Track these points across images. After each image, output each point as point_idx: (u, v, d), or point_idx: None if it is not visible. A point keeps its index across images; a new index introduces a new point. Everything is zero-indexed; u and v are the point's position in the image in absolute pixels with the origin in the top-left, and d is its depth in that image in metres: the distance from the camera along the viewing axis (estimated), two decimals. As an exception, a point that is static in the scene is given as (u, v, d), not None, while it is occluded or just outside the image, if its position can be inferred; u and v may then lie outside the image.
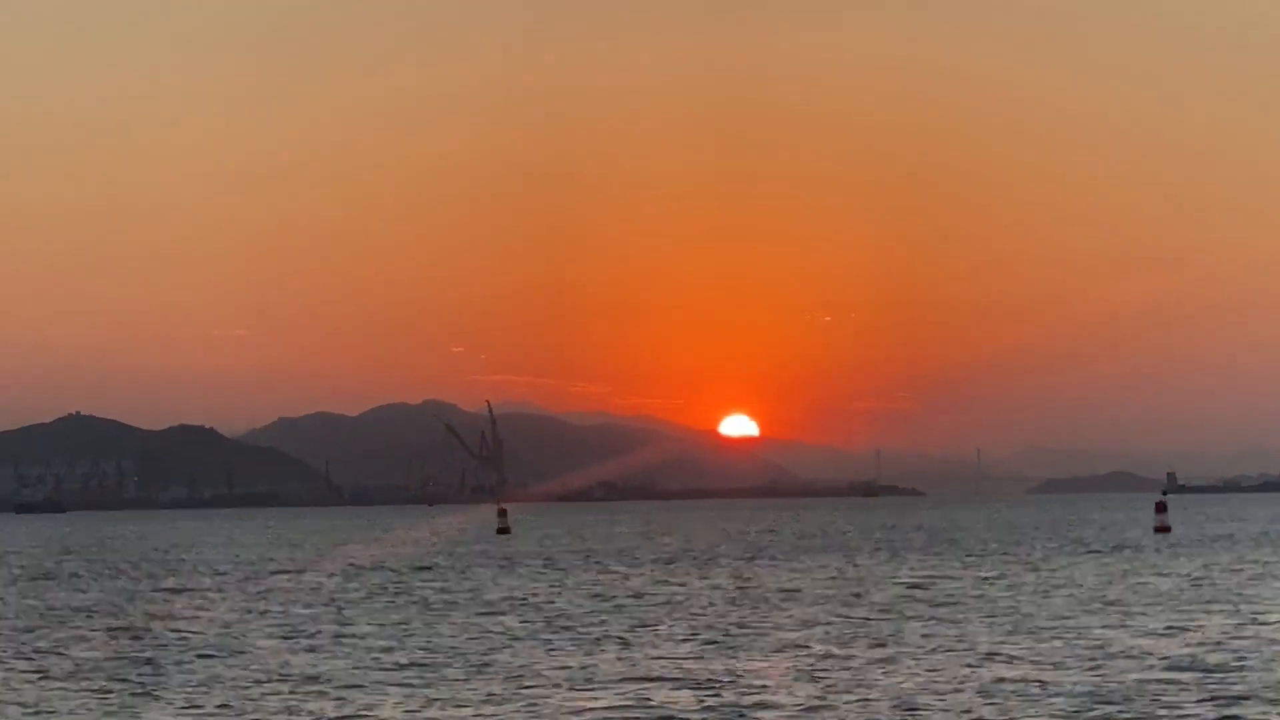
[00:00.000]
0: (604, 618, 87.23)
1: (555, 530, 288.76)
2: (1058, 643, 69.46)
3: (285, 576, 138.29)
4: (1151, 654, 64.61)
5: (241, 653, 72.10)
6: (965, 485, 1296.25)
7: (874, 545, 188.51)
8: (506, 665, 65.23)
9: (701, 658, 66.55)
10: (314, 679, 61.92)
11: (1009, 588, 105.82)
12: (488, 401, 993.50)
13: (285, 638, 78.95)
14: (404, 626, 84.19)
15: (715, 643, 72.42)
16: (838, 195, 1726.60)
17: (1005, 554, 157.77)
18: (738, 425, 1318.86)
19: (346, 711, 53.51)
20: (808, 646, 69.92)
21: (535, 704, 54.10)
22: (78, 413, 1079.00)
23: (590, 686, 58.23)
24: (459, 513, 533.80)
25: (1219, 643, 68.30)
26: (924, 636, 73.36)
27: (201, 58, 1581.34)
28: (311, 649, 73.28)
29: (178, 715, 54.04)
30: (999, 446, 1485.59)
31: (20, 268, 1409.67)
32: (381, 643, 75.50)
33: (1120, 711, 50.36)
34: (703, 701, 53.95)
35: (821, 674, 60.36)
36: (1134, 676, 57.83)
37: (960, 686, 56.12)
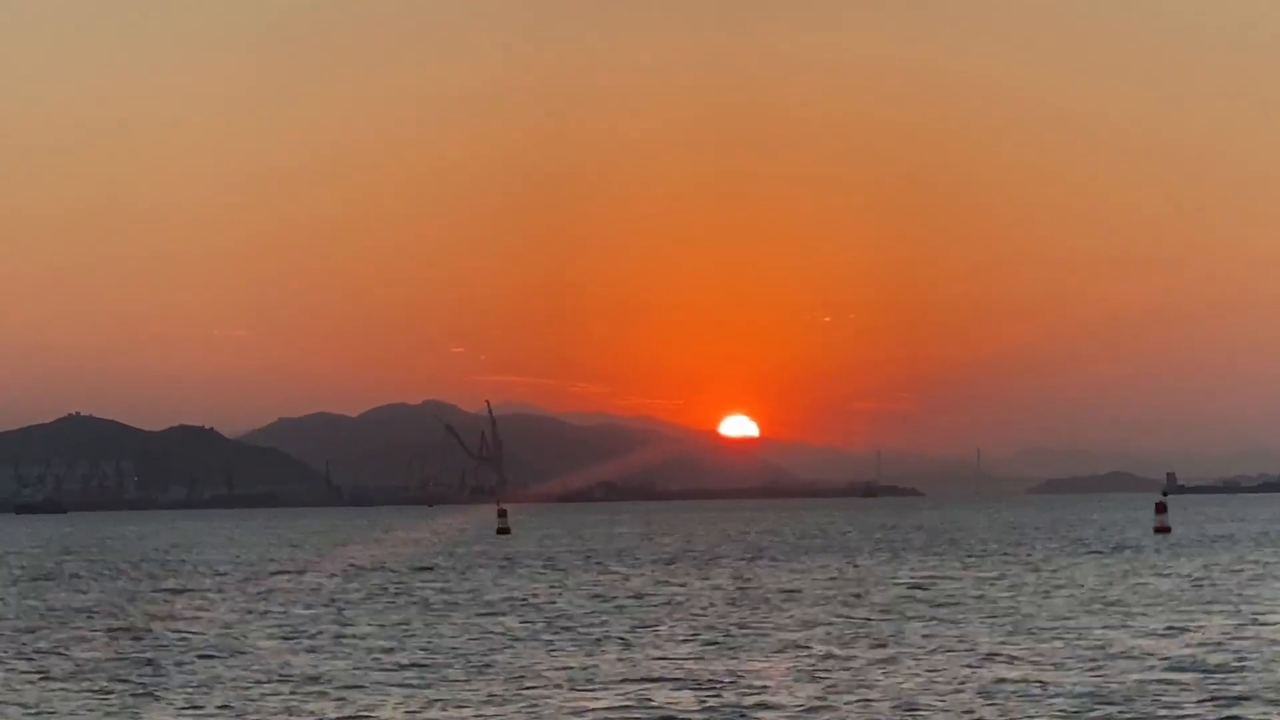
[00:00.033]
0: (604, 618, 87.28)
1: (555, 531, 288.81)
2: (1058, 643, 69.51)
3: (285, 577, 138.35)
4: (1152, 654, 64.66)
5: (242, 653, 72.15)
6: (965, 485, 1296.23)
7: (874, 546, 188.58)
8: (507, 666, 65.28)
9: (702, 658, 66.60)
10: (315, 679, 61.97)
11: (1009, 588, 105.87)
12: (488, 402, 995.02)
13: (286, 638, 79.00)
14: (404, 627, 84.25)
15: (716, 643, 72.48)
16: (838, 195, 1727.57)
17: (1005, 554, 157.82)
18: (738, 425, 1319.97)
19: (347, 712, 53.56)
20: (808, 647, 69.97)
21: (536, 704, 54.15)
22: (78, 413, 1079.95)
23: (591, 687, 58.27)
24: (459, 513, 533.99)
25: (1219, 643, 68.35)
26: (924, 637, 73.41)
27: (201, 58, 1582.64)
28: (312, 650, 73.33)
29: (178, 716, 54.09)
30: (999, 446, 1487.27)
31: (20, 268, 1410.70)
32: (382, 643, 75.56)
33: (1120, 712, 50.41)
34: (703, 702, 54.00)
35: (822, 674, 60.41)
36: (1134, 677, 57.88)
37: (961, 687, 56.17)
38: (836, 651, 67.90)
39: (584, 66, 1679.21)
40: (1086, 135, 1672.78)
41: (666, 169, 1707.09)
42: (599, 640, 74.86)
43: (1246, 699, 52.32)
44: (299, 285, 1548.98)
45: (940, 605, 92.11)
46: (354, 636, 79.31)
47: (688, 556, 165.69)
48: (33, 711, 55.62)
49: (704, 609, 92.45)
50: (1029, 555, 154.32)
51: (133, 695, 58.93)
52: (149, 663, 69.04)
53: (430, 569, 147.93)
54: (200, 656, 71.07)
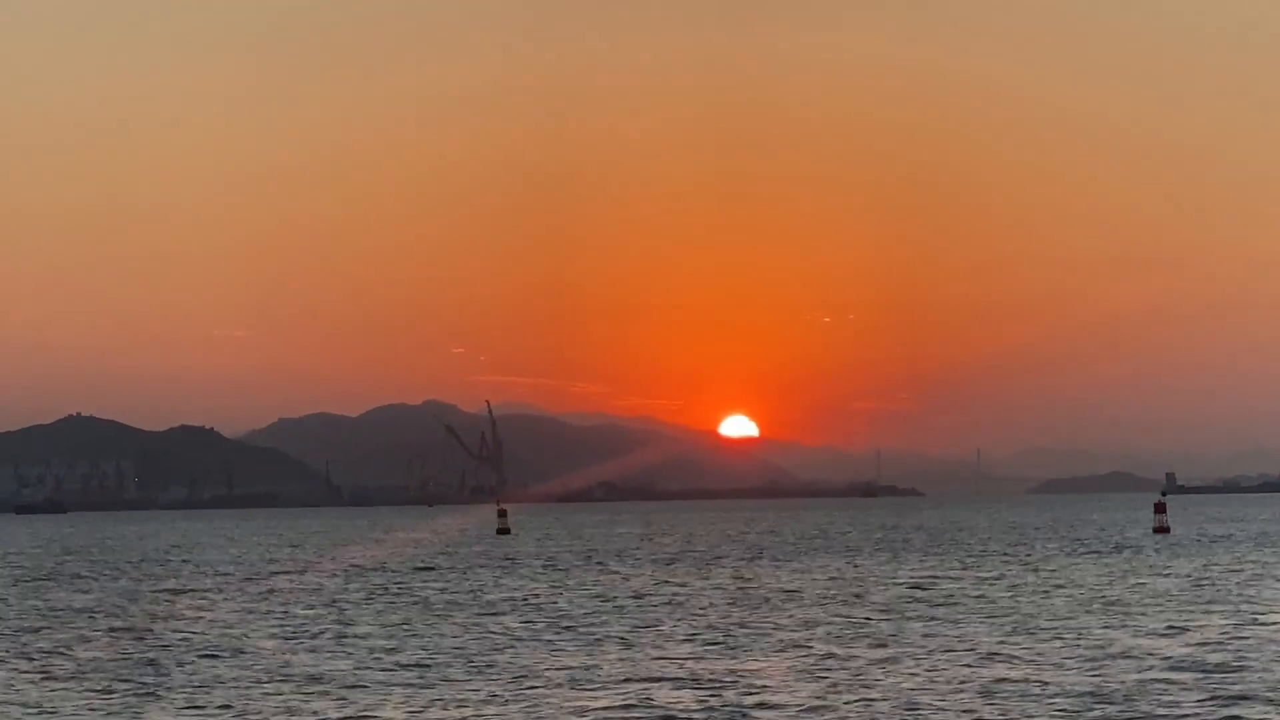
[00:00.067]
0: (605, 618, 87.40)
1: (555, 531, 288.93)
2: (1058, 643, 69.63)
3: (286, 577, 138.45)
4: (1152, 654, 64.78)
5: (243, 653, 72.27)
6: (965, 485, 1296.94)
7: (874, 546, 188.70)
8: (508, 666, 65.39)
9: (703, 658, 66.72)
10: (316, 679, 62.08)
11: (1009, 588, 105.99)
12: (488, 402, 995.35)
13: (287, 638, 79.12)
14: (405, 627, 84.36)
15: (716, 643, 72.59)
16: (838, 195, 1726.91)
17: (1005, 554, 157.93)
18: (737, 426, 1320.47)
19: (349, 712, 53.67)
20: (809, 646, 70.09)
21: (537, 704, 54.26)
22: (78, 413, 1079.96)
23: (592, 687, 58.38)
24: (459, 513, 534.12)
25: (1219, 643, 68.47)
26: (925, 636, 73.53)
27: (201, 58, 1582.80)
28: (313, 649, 73.44)
29: (180, 715, 54.20)
30: (999, 446, 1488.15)
31: (20, 268, 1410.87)
32: (383, 643, 75.67)
33: (1121, 712, 50.53)
34: (704, 701, 54.11)
35: (823, 674, 60.53)
36: (1134, 677, 58.00)
37: (961, 686, 56.28)
38: (837, 651, 68.02)
39: (584, 66, 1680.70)
40: (1086, 135, 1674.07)
41: (666, 169, 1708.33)
42: (600, 640, 74.97)
43: (1246, 699, 52.44)
44: (299, 285, 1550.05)
45: (940, 605, 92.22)
46: (355, 636, 79.42)
47: (688, 557, 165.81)
48: (35, 711, 55.73)
49: (705, 609, 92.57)
50: (1029, 555, 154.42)
51: (135, 695, 59.05)
52: (151, 663, 69.15)
53: (431, 569, 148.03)
54: (201, 656, 71.19)
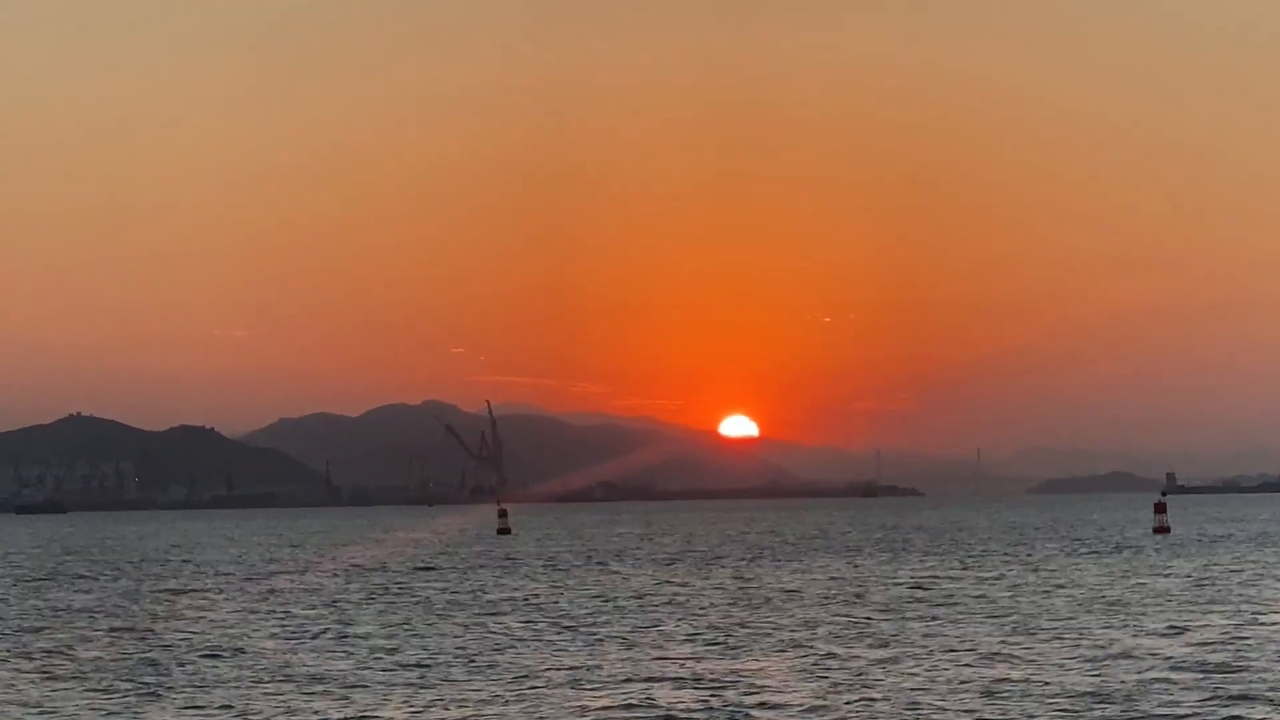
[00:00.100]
0: (606, 618, 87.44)
1: (555, 531, 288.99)
2: (1058, 643, 69.67)
3: (287, 577, 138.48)
4: (1152, 654, 64.81)
5: (244, 653, 72.29)
6: (965, 485, 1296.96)
7: (875, 546, 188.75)
8: (509, 666, 65.42)
9: (704, 658, 66.75)
10: (317, 679, 62.11)
11: (1010, 588, 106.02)
12: (488, 402, 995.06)
13: (288, 638, 79.14)
14: (406, 627, 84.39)
15: (717, 643, 72.62)
16: (838, 195, 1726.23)
17: (1006, 554, 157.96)
18: (737, 426, 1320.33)
19: (349, 712, 53.69)
20: (810, 646, 70.12)
21: (538, 704, 54.29)
22: (78, 413, 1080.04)
23: (593, 686, 58.41)
24: (459, 513, 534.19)
25: (1219, 643, 68.50)
26: (925, 636, 73.57)
27: (201, 58, 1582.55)
28: (314, 649, 73.47)
29: (181, 715, 54.22)
30: (999, 446, 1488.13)
31: (20, 268, 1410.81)
32: (384, 643, 75.70)
33: (1121, 712, 50.55)
34: (705, 701, 54.14)
35: (823, 674, 60.56)
36: (1135, 677, 58.03)
37: (961, 686, 56.31)
38: (838, 651, 68.05)
39: (584, 66, 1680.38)
40: (1086, 135, 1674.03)
41: (666, 169, 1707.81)
42: (601, 640, 75.00)
43: (1247, 699, 52.47)
44: (299, 285, 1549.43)
45: (941, 605, 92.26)
46: (356, 636, 79.45)
47: (689, 556, 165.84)
48: (36, 711, 55.76)
49: (705, 609, 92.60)
50: (1029, 555, 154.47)
51: (135, 695, 59.07)
52: (151, 663, 69.18)
53: (432, 569, 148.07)
54: (202, 656, 71.22)
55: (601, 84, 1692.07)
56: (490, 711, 53.11)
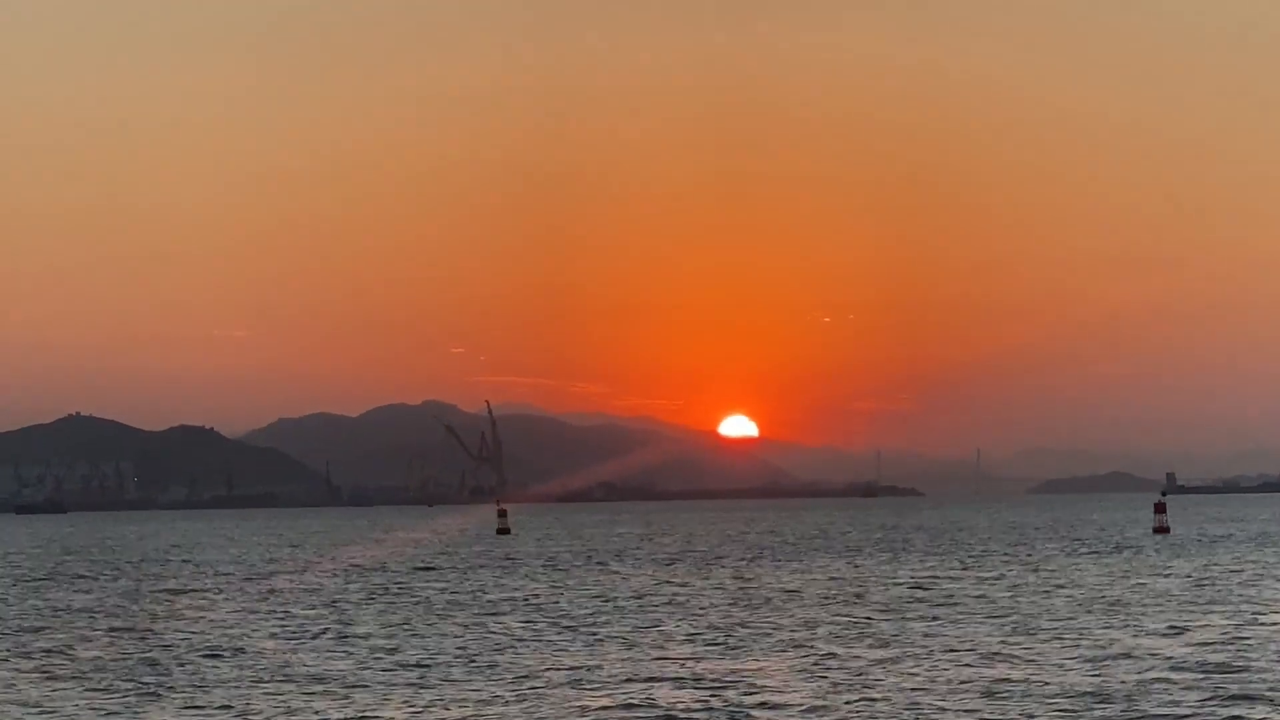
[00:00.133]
0: (606, 618, 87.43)
1: (555, 531, 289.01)
2: (1058, 643, 69.66)
3: (287, 577, 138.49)
4: (1152, 654, 64.80)
5: (244, 653, 72.28)
6: (965, 485, 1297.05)
7: (875, 546, 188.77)
8: (509, 666, 65.40)
9: (704, 658, 66.74)
10: (317, 679, 62.10)
11: (1010, 588, 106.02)
12: (487, 402, 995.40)
13: (288, 638, 79.14)
14: (406, 627, 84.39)
15: (718, 643, 72.61)
16: (838, 195, 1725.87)
17: (1006, 555, 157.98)
18: (737, 426, 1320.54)
19: (349, 712, 53.68)
20: (810, 646, 70.11)
21: (539, 704, 54.27)
22: (78, 413, 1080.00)
23: (593, 686, 58.40)
24: (459, 513, 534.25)
25: (1219, 643, 68.50)
26: (925, 636, 73.56)
27: (201, 58, 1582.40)
28: (314, 649, 73.46)
29: (180, 715, 54.21)
30: (999, 446, 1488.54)
31: (20, 268, 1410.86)
32: (384, 643, 75.69)
33: (1121, 711, 50.54)
34: (705, 701, 54.13)
35: (823, 674, 60.55)
36: (1135, 677, 58.02)
37: (962, 686, 56.31)
38: (838, 651, 68.04)
39: (584, 66, 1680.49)
40: (1086, 135, 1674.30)
41: (666, 169, 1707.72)
42: (601, 640, 74.99)
43: (1247, 699, 52.46)
44: (299, 285, 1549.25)
45: (941, 605, 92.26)
46: (356, 636, 79.45)
47: (689, 556, 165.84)
48: (36, 710, 55.75)
49: (705, 609, 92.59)
50: (1029, 555, 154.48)
51: (135, 695, 59.06)
52: (151, 663, 69.17)
53: (432, 569, 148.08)
54: (202, 656, 71.21)
55: (601, 84, 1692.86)
56: (491, 711, 53.11)
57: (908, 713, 50.91)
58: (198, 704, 56.25)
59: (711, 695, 55.34)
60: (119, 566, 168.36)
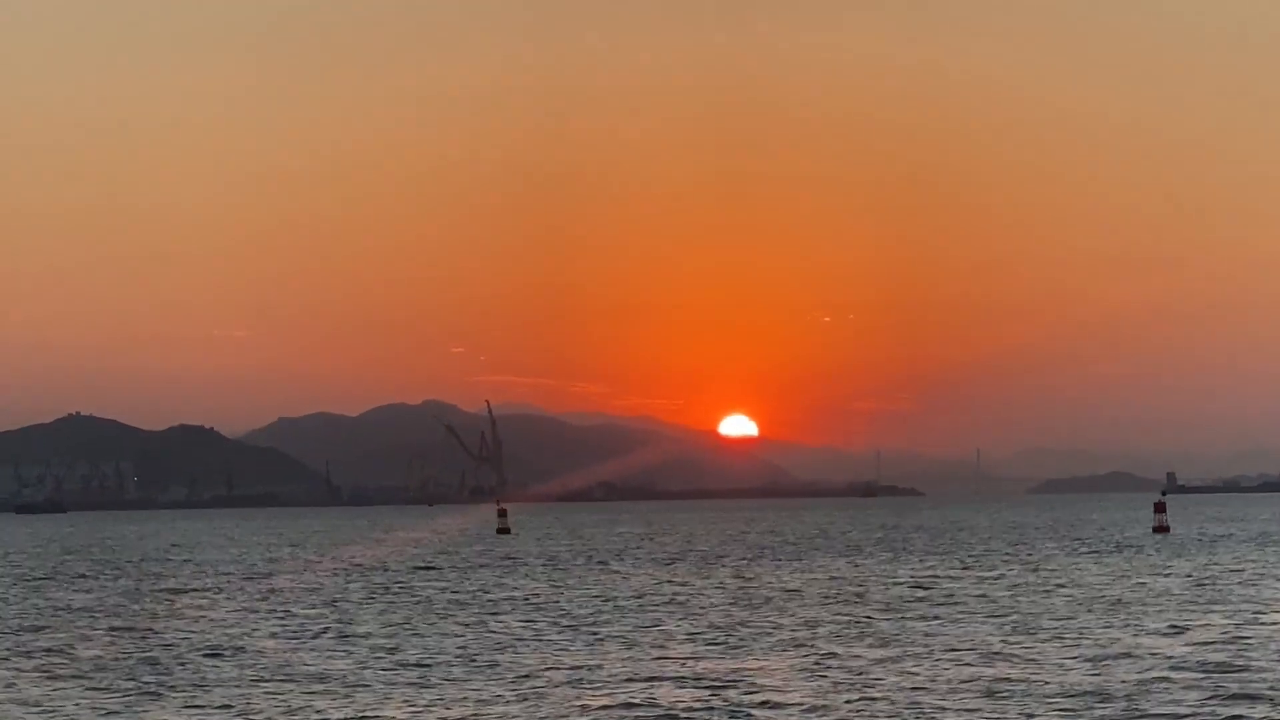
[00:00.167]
0: (607, 617, 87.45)
1: (555, 531, 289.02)
2: (1058, 642, 69.67)
3: (287, 577, 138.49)
4: (1152, 653, 64.81)
5: (244, 652, 72.29)
6: (965, 485, 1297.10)
7: (875, 545, 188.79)
8: (510, 665, 65.41)
9: (705, 657, 66.75)
10: (318, 678, 62.10)
11: (1010, 588, 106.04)
12: (487, 402, 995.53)
13: (288, 638, 79.15)
14: (407, 626, 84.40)
15: (718, 642, 72.63)
16: (838, 195, 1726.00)
17: (1006, 554, 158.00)
18: (737, 425, 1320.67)
19: (350, 712, 53.69)
20: (810, 646, 70.12)
21: (539, 703, 54.28)
22: (78, 413, 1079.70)
23: (594, 686, 58.41)
24: (459, 513, 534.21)
25: (1219, 642, 68.51)
26: (926, 636, 73.57)
27: (201, 58, 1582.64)
28: (315, 649, 73.48)
29: (180, 714, 54.21)
30: (999, 446, 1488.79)
31: (20, 268, 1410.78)
32: (384, 642, 75.70)
33: (1122, 711, 50.55)
34: (706, 701, 54.14)
35: (824, 673, 60.56)
36: (1135, 676, 58.03)
37: (962, 686, 56.31)
38: (838, 650, 68.05)
39: (584, 66, 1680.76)
40: (1086, 135, 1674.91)
41: (666, 169, 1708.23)
42: (602, 639, 75.01)
43: (1247, 698, 52.48)
44: (299, 285, 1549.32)
45: (941, 604, 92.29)
46: (356, 636, 79.46)
47: (689, 556, 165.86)
48: (36, 710, 55.76)
49: (706, 608, 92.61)
50: (1029, 555, 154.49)
51: (136, 694, 59.07)
52: (151, 662, 69.18)
53: (432, 569, 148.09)
54: (203, 655, 71.22)
55: (601, 84, 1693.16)
56: (491, 711, 53.12)
57: (909, 712, 50.93)
58: (198, 703, 56.26)
59: (712, 694, 55.37)
60: (119, 566, 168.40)
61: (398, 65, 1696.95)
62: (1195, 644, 68.02)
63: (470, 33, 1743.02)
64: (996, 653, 66.08)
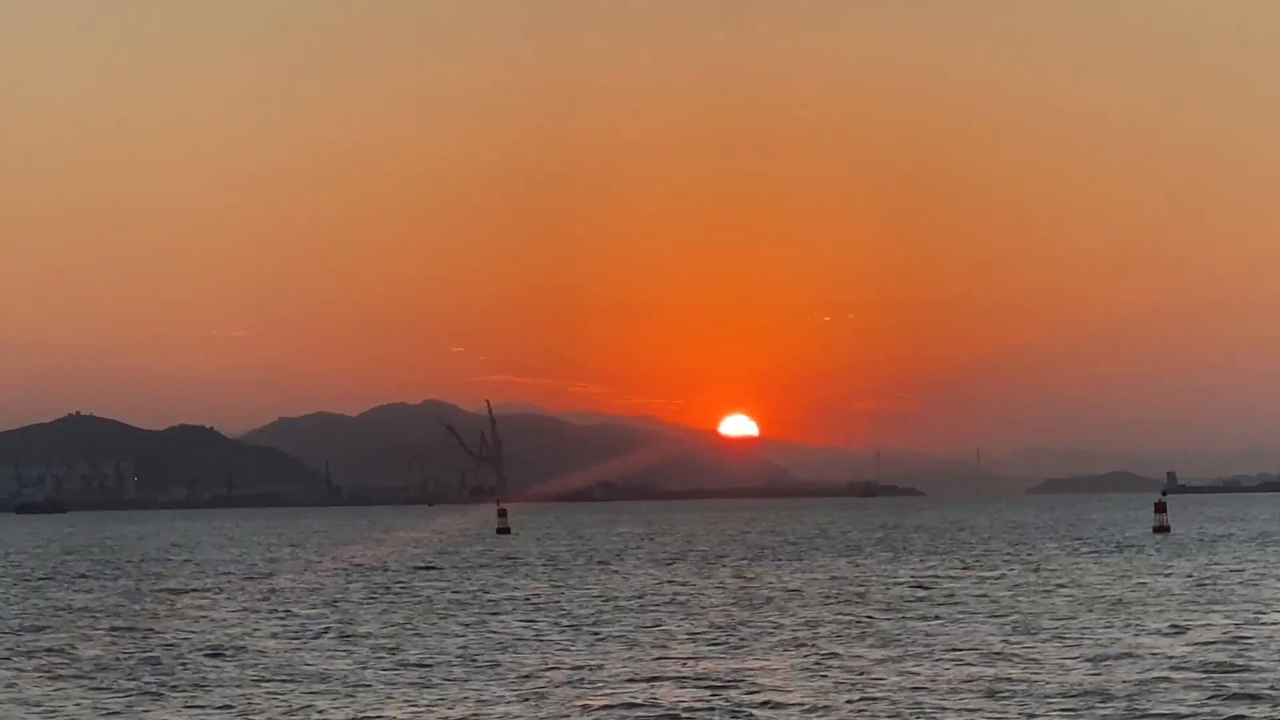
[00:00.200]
0: (607, 617, 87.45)
1: (555, 531, 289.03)
2: (1059, 642, 69.68)
3: (288, 577, 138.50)
4: (1153, 653, 64.82)
5: (245, 652, 72.30)
6: (965, 485, 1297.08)
7: (876, 545, 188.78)
8: (511, 665, 65.42)
9: (705, 657, 66.76)
10: (318, 679, 62.12)
11: (1011, 587, 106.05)
12: (487, 402, 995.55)
13: (289, 638, 79.16)
14: (407, 626, 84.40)
15: (719, 642, 72.63)
16: (838, 195, 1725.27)
17: (1007, 554, 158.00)
18: (738, 425, 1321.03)
19: (350, 712, 53.70)
20: (811, 645, 70.13)
21: (540, 703, 54.29)
22: (78, 413, 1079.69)
23: (595, 686, 58.42)
24: (459, 513, 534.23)
25: (1220, 642, 68.52)
26: (927, 636, 73.59)
27: (201, 58, 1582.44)
28: (315, 649, 73.48)
29: (181, 714, 54.22)
30: (999, 446, 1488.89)
31: (20, 268, 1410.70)
32: (385, 642, 75.71)
33: (1122, 711, 50.56)
34: (707, 701, 54.15)
35: (825, 673, 60.57)
36: (1135, 676, 58.04)
37: (963, 685, 56.32)
38: (839, 650, 68.06)
39: (584, 66, 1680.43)
40: (1086, 135, 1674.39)
41: (666, 169, 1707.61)
42: (602, 639, 75.02)
43: (1248, 698, 52.49)
44: (299, 285, 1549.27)
45: (942, 604, 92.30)
46: (357, 636, 79.47)
47: (690, 556, 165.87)
48: (36, 710, 55.77)
49: (706, 608, 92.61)
50: (1030, 555, 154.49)
51: (136, 694, 59.08)
52: (152, 662, 69.19)
53: (432, 569, 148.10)
54: (203, 656, 71.23)
55: (601, 84, 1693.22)
56: (492, 711, 53.13)
57: (910, 712, 50.94)
58: (199, 703, 56.27)
59: (713, 694, 55.38)
60: (120, 566, 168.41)
61: (398, 65, 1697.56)
62: (1196, 644, 68.03)
63: (470, 33, 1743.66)
64: (997, 653, 66.10)
